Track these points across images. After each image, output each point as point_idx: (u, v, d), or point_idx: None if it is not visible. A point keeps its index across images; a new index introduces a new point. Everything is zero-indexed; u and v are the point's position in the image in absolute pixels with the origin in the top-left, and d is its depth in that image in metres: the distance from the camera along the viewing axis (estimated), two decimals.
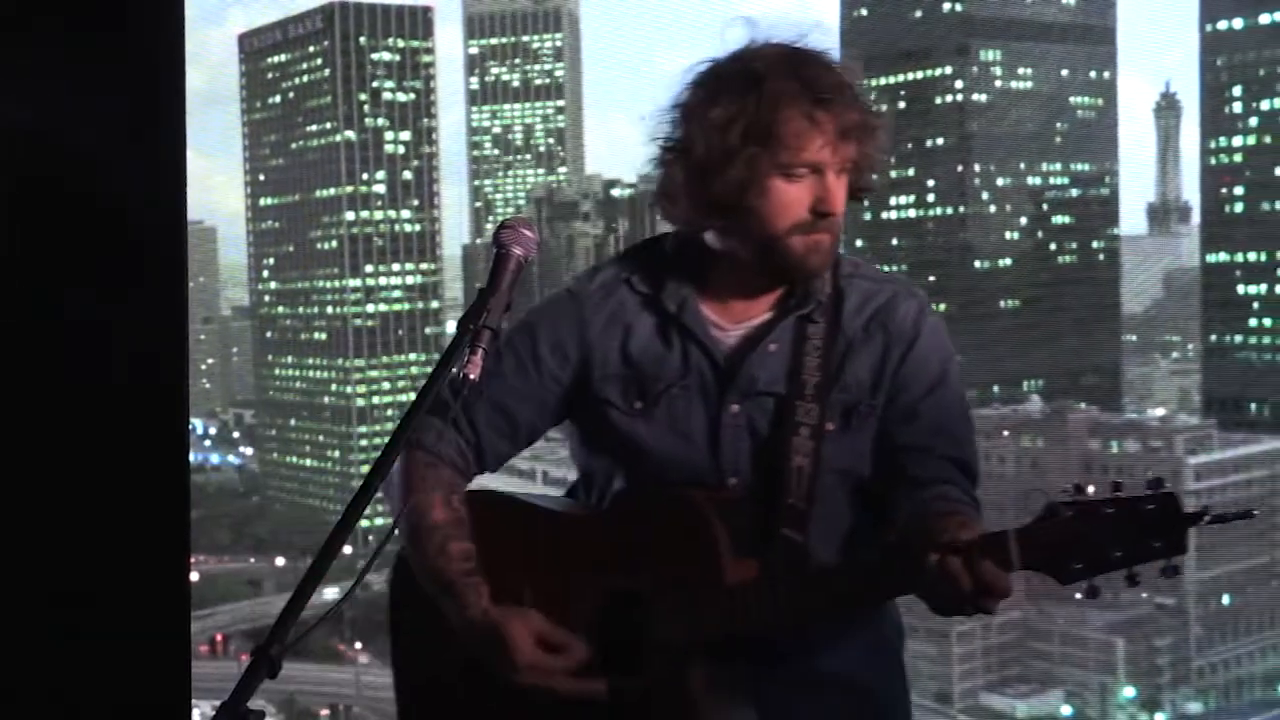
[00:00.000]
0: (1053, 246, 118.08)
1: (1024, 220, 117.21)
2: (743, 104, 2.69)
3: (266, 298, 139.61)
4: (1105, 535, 2.33)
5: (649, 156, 2.85)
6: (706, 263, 2.87)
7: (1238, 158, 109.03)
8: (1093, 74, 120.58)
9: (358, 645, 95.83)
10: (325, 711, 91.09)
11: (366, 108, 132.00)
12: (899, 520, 2.69)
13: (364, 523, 2.36)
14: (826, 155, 2.70)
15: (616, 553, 2.80)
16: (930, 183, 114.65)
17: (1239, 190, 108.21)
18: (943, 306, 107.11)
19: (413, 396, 2.57)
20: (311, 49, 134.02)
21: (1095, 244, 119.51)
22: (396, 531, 2.75)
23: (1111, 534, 2.32)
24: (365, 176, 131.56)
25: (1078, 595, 2.42)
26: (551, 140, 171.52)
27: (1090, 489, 2.33)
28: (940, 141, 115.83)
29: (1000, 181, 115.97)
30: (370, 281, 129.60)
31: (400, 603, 3.07)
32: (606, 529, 2.89)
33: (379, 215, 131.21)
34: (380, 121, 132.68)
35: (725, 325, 2.85)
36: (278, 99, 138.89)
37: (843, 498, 2.83)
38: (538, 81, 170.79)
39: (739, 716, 2.77)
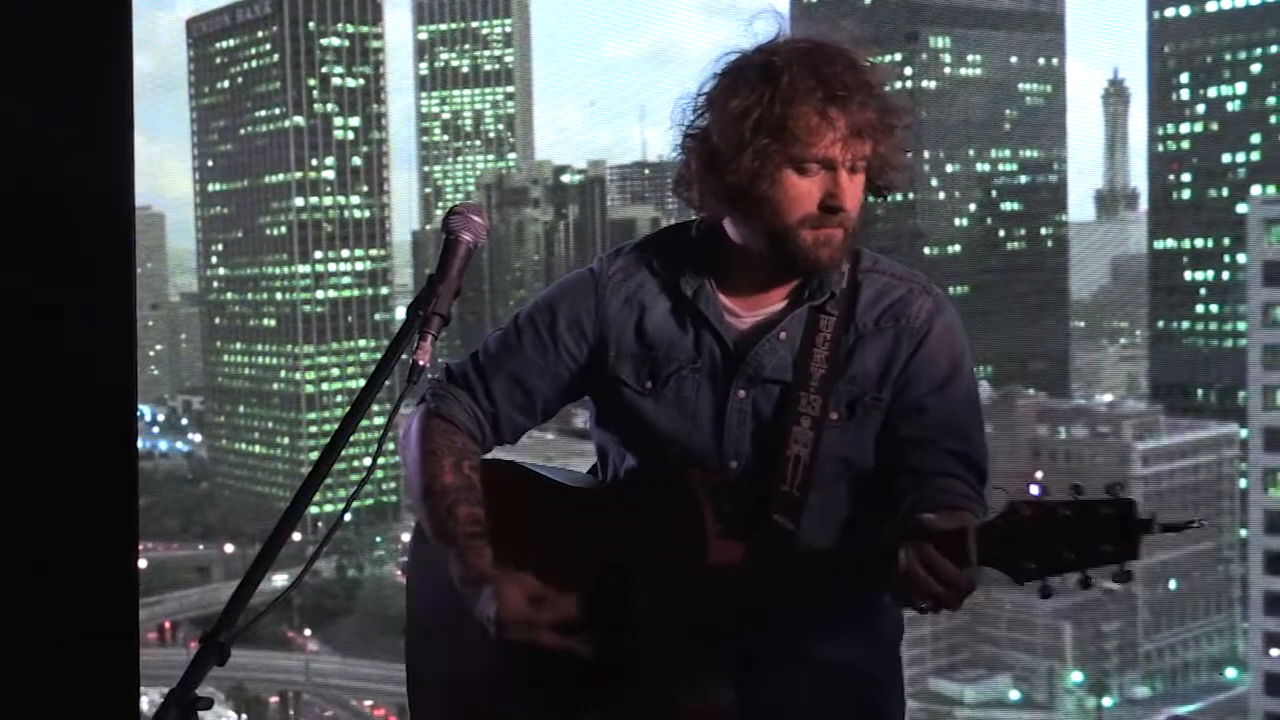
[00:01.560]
0: (1001, 233, 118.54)
1: (973, 207, 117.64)
2: (759, 96, 2.74)
3: (215, 284, 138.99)
4: (1061, 537, 2.33)
5: (673, 142, 2.90)
6: (726, 251, 2.92)
7: (1185, 145, 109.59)
8: (1041, 61, 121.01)
9: (307, 632, 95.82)
10: (274, 699, 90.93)
11: (315, 93, 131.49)
12: (902, 511, 2.71)
13: (313, 509, 2.36)
14: (838, 151, 2.74)
15: (611, 527, 2.86)
16: None
17: (1186, 177, 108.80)
18: None
19: (362, 383, 2.57)
20: (260, 34, 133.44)
21: (1044, 230, 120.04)
22: (347, 518, 2.76)
23: (1067, 536, 2.32)
24: (314, 162, 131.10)
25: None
26: (501, 126, 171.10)
27: (1034, 488, 2.34)
28: None
29: (949, 168, 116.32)
30: (319, 267, 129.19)
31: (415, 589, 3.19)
32: (604, 504, 2.97)
33: (328, 201, 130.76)
34: (329, 107, 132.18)
35: (740, 312, 2.90)
36: (226, 84, 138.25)
37: (844, 488, 2.87)
38: (487, 67, 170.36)
39: (716, 694, 2.78)
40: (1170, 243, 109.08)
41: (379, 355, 2.73)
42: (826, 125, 2.72)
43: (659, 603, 2.73)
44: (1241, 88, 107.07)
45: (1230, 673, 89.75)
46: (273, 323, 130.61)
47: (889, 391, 2.85)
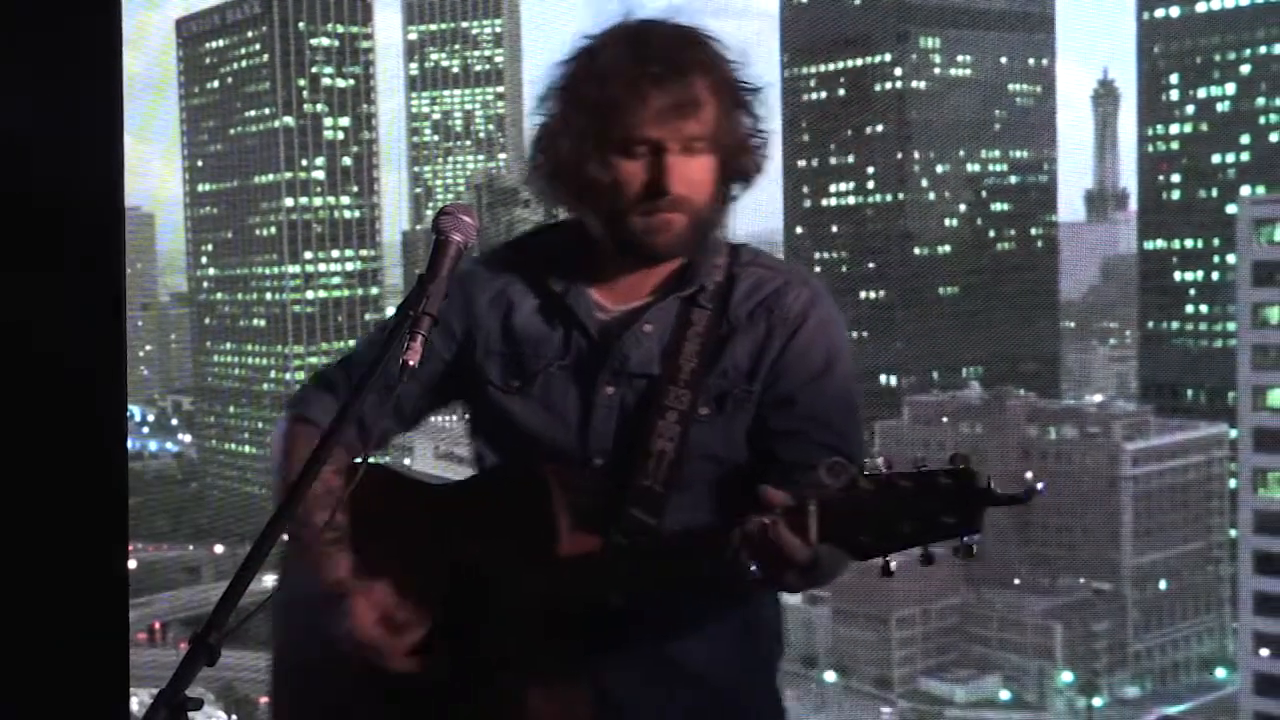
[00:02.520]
0: (991, 233, 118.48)
1: (963, 207, 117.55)
2: (578, 78, 2.72)
3: (205, 284, 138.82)
4: (899, 509, 2.19)
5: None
6: (593, 245, 2.87)
7: (1175, 145, 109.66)
8: (1031, 61, 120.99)
9: None
10: (264, 699, 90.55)
11: (305, 93, 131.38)
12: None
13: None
14: (659, 131, 2.65)
15: (465, 525, 2.80)
16: (870, 170, 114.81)
17: (1176, 178, 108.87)
18: (882, 294, 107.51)
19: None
20: (250, 34, 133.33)
21: (1034, 231, 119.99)
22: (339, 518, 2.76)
23: (905, 508, 2.19)
24: (304, 162, 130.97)
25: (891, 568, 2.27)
26: (492, 126, 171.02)
27: (880, 460, 2.27)
28: (879, 128, 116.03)
29: (939, 169, 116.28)
30: (310, 268, 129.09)
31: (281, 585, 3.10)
32: (463, 501, 2.89)
33: (318, 201, 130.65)
34: (319, 107, 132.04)
35: (609, 307, 2.84)
36: (216, 84, 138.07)
37: (713, 485, 2.78)
38: (478, 67, 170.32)
39: (572, 695, 2.73)
40: (1160, 243, 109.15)
41: None
42: (641, 104, 2.64)
43: (513, 600, 2.69)
44: (1231, 88, 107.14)
45: (1220, 673, 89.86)
46: (263, 323, 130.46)
47: (760, 384, 2.78)
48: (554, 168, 2.80)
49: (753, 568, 2.35)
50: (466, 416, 2.98)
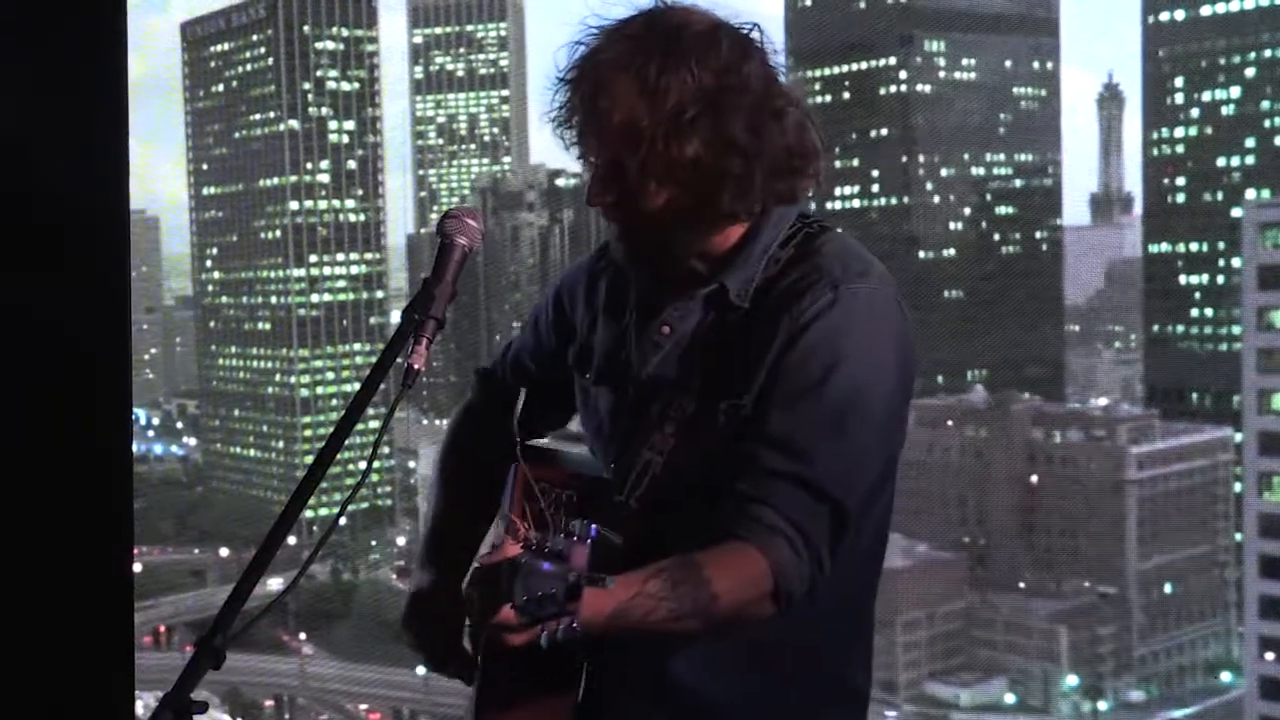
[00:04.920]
0: (996, 237, 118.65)
1: (968, 211, 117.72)
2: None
3: (210, 287, 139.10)
4: (517, 587, 2.02)
5: None
6: None
7: (1180, 149, 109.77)
8: (1036, 65, 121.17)
9: (302, 636, 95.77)
10: (269, 702, 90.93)
11: (310, 97, 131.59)
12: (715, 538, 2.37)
13: (308, 513, 2.36)
14: (582, 142, 2.52)
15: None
16: (874, 173, 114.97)
17: (1181, 181, 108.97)
18: None
19: (357, 387, 2.57)
20: (255, 37, 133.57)
21: (1038, 234, 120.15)
22: (343, 521, 2.74)
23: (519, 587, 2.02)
24: (309, 166, 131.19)
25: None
26: (496, 130, 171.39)
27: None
28: (884, 132, 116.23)
29: (944, 172, 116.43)
30: (314, 271, 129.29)
31: None
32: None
33: (323, 205, 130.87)
34: (324, 111, 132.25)
35: (655, 309, 2.64)
36: (221, 88, 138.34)
37: (703, 501, 2.47)
38: (482, 71, 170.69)
39: (554, 707, 2.58)
40: (1165, 247, 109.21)
41: (374, 359, 2.72)
42: (572, 113, 2.52)
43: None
44: (1236, 91, 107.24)
45: (1225, 676, 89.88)
46: (267, 326, 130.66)
47: (751, 397, 2.46)
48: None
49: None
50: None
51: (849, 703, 2.70)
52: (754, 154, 2.45)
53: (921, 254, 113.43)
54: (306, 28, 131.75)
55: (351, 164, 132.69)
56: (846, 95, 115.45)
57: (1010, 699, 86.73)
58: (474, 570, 2.26)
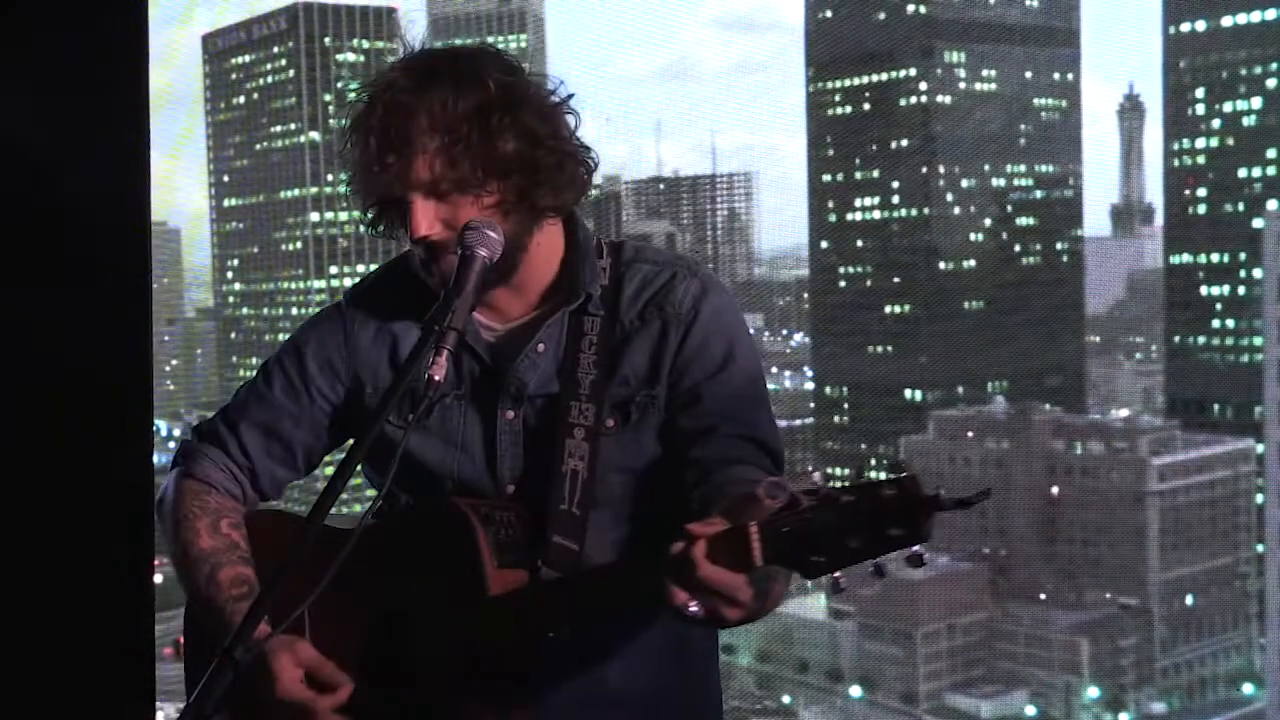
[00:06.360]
0: (1017, 248, 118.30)
1: (988, 222, 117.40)
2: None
3: (231, 299, 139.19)
4: (845, 525, 2.05)
5: None
6: None
7: (1201, 159, 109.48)
8: (1056, 76, 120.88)
9: None
10: None
11: (331, 109, 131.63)
12: (691, 509, 2.44)
13: (328, 525, 2.35)
14: (389, 178, 2.62)
15: (384, 569, 2.63)
16: (895, 184, 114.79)
17: (1202, 192, 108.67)
18: (907, 308, 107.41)
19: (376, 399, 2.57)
20: (276, 49, 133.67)
21: (1059, 245, 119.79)
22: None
23: (850, 523, 2.05)
24: (330, 178, 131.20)
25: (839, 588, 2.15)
26: None
27: (816, 474, 2.12)
28: (905, 143, 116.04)
29: (964, 183, 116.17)
30: (335, 283, 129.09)
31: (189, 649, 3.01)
32: (376, 545, 2.54)
33: (344, 216, 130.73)
34: (345, 122, 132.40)
35: (494, 326, 2.74)
36: (242, 100, 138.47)
37: (631, 498, 2.69)
38: None
39: None
40: (1186, 258, 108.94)
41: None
42: (365, 154, 2.71)
43: (442, 646, 2.58)
44: (1257, 102, 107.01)
45: (1247, 688, 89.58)
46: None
47: (663, 386, 2.66)
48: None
49: (692, 607, 2.16)
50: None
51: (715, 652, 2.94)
52: (556, 147, 2.61)
53: (942, 265, 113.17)
54: (327, 40, 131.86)
55: None
56: (867, 106, 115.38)
57: (1031, 711, 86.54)
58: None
